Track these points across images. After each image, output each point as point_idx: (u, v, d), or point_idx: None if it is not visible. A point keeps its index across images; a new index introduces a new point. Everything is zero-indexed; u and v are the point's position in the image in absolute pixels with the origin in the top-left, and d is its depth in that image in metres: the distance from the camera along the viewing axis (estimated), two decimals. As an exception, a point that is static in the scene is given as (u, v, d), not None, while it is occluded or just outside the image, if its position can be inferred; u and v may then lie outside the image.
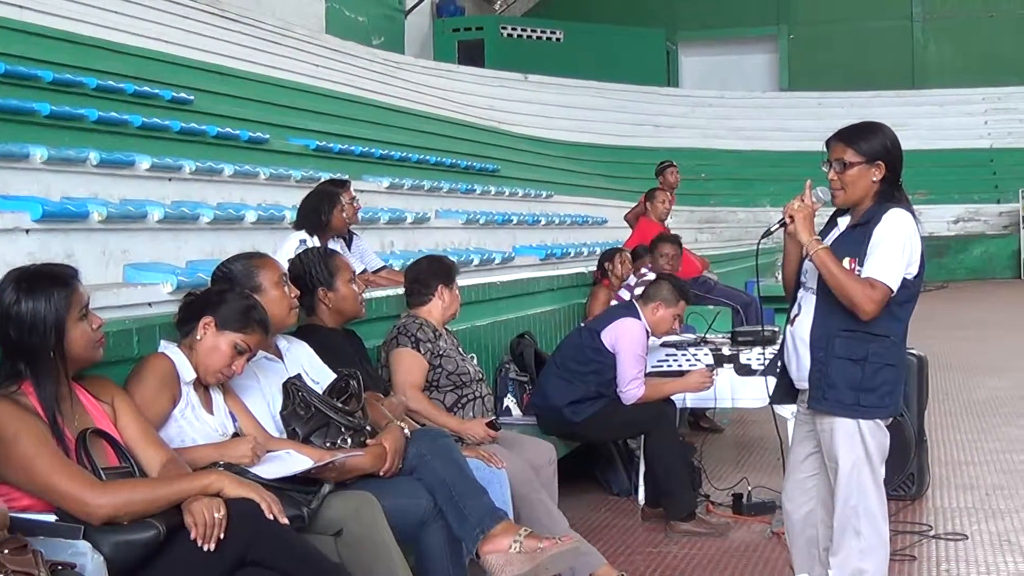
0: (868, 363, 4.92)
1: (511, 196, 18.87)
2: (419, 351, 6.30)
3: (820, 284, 5.02)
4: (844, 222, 5.10)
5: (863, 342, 4.92)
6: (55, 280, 3.91)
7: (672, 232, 12.61)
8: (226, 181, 11.07)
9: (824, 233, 5.17)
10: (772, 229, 5.25)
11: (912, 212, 4.99)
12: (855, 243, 4.94)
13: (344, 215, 8.34)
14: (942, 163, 31.49)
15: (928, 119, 33.45)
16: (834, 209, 5.20)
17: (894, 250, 4.88)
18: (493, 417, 6.39)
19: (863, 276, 4.89)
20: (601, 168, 28.13)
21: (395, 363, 6.28)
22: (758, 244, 5.70)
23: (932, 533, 7.14)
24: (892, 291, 4.88)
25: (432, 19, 33.12)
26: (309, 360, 5.27)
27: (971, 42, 36.98)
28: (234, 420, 4.66)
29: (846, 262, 4.91)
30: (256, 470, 4.30)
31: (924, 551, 6.83)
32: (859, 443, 4.98)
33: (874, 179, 4.97)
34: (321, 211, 8.26)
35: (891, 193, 4.99)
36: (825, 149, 5.07)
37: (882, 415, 5.01)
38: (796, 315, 5.14)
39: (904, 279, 4.93)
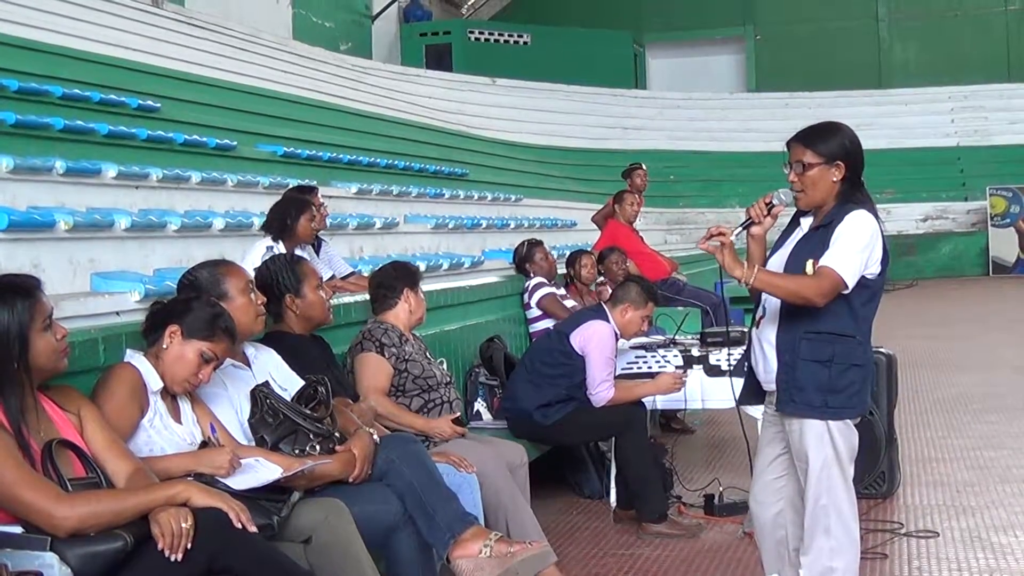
0: (834, 364, 4.92)
1: (480, 200, 18.88)
2: (383, 356, 6.29)
3: None
4: (807, 223, 5.10)
5: (828, 343, 4.93)
6: (17, 291, 3.88)
7: (639, 234, 12.67)
8: (193, 188, 11.04)
9: (787, 233, 5.17)
10: (735, 231, 5.23)
11: (875, 213, 5.00)
12: (817, 245, 4.94)
13: (312, 222, 8.32)
14: (909, 162, 31.66)
15: (895, 118, 33.61)
16: (796, 211, 5.20)
17: (852, 246, 4.88)
18: (458, 414, 6.37)
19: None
20: (570, 171, 28.15)
21: (359, 368, 6.27)
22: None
23: (903, 531, 7.15)
24: (844, 282, 4.86)
25: (399, 24, 33.09)
26: (277, 367, 5.26)
27: (937, 41, 37.18)
28: (212, 430, 4.64)
29: (809, 265, 4.91)
30: (225, 480, 4.29)
31: (895, 549, 6.84)
32: (828, 443, 4.98)
33: (834, 179, 4.97)
34: (287, 218, 8.25)
35: (853, 194, 4.99)
36: (786, 151, 5.08)
37: (850, 415, 5.01)
38: (761, 317, 5.14)
39: (865, 278, 4.94)
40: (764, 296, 5.13)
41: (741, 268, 4.96)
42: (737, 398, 5.55)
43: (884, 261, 5.01)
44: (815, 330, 4.93)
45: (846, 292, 4.89)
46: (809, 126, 5.11)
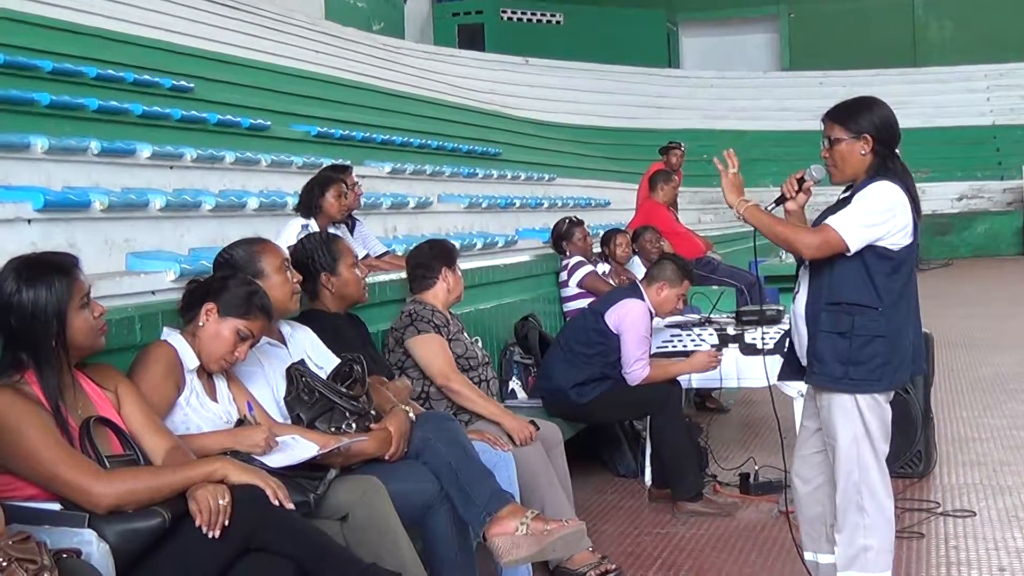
0: (854, 336, 4.90)
1: (513, 180, 18.87)
2: (440, 335, 6.28)
3: (812, 261, 5.02)
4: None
5: (847, 315, 4.91)
6: (56, 269, 3.89)
7: (675, 213, 12.63)
8: (227, 168, 11.08)
9: (829, 212, 5.15)
10: (769, 207, 5.25)
11: (905, 184, 4.96)
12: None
13: (340, 199, 8.34)
14: (945, 140, 31.46)
15: (930, 96, 33.42)
16: (842, 188, 5.18)
17: (860, 210, 4.89)
18: (536, 426, 6.31)
19: None
20: (603, 150, 28.10)
21: (420, 349, 6.21)
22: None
23: (940, 510, 7.12)
24: (844, 243, 4.86)
25: (431, 3, 33.13)
26: (312, 345, 5.26)
27: (972, 19, 36.90)
28: (249, 408, 4.65)
29: None
30: (262, 458, 4.29)
31: (932, 528, 6.81)
32: (857, 418, 4.95)
33: (862, 153, 4.97)
34: (313, 194, 8.31)
35: (886, 167, 4.98)
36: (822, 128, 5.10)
37: (877, 389, 4.97)
38: (796, 292, 5.15)
39: (887, 249, 4.91)
40: (800, 271, 5.15)
41: (735, 196, 5.17)
42: (777, 374, 5.52)
43: (913, 234, 4.98)
44: (834, 301, 4.94)
45: (848, 255, 4.88)
46: (841, 102, 5.12)
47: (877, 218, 4.88)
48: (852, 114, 5.01)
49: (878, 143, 4.97)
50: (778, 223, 5.07)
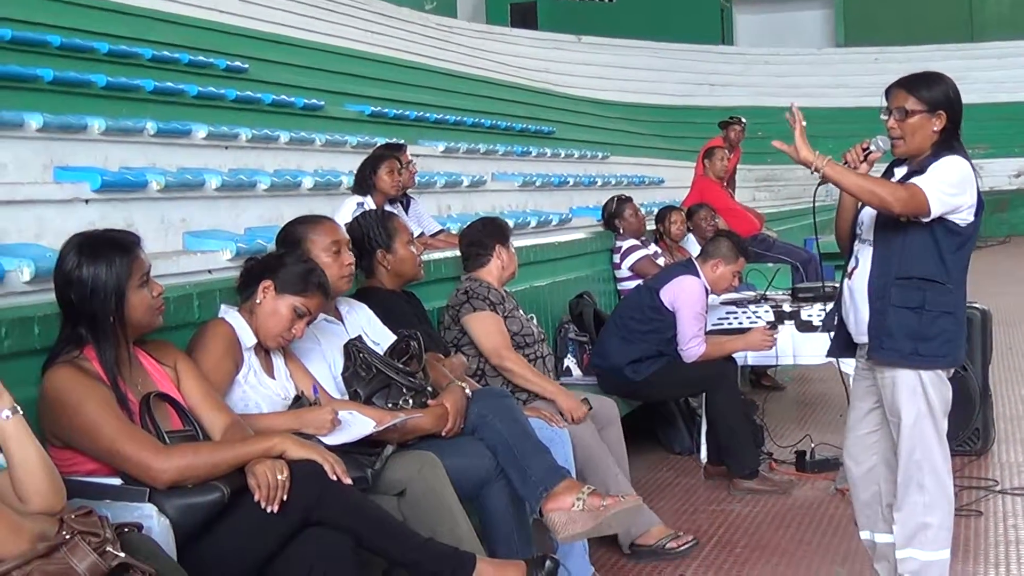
0: (925, 311, 4.85)
1: (567, 158, 18.84)
2: (496, 313, 6.29)
3: (876, 234, 4.96)
4: (901, 172, 5.02)
5: (919, 289, 4.85)
6: (117, 246, 3.92)
7: (731, 190, 12.59)
8: (282, 148, 11.13)
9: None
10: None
11: (970, 162, 4.92)
12: None
13: (393, 175, 8.40)
14: (1002, 116, 31.03)
15: (987, 72, 32.99)
16: (891, 160, 5.12)
17: (941, 178, 4.79)
18: (588, 407, 6.30)
19: None
20: (657, 128, 28.00)
21: (476, 327, 6.23)
22: (815, 194, 5.53)
23: (998, 488, 7.08)
24: (927, 204, 4.75)
25: (484, -17, 33.09)
26: (369, 322, 5.28)
27: (1030, -8, 36.49)
28: (315, 391, 4.66)
29: None
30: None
31: (990, 506, 6.77)
32: (921, 396, 4.92)
33: (935, 128, 4.89)
34: (367, 172, 8.38)
35: (950, 144, 4.91)
36: (885, 98, 5.00)
37: (942, 365, 4.94)
38: (853, 268, 5.08)
39: (956, 224, 4.85)
40: (856, 246, 5.09)
41: (810, 153, 4.89)
42: (826, 351, 5.48)
43: (978, 212, 4.92)
44: (906, 275, 4.87)
45: (927, 220, 4.80)
46: (912, 73, 5.03)
47: (955, 188, 4.82)
48: (928, 86, 4.91)
49: (949, 120, 4.91)
50: (863, 176, 4.89)
